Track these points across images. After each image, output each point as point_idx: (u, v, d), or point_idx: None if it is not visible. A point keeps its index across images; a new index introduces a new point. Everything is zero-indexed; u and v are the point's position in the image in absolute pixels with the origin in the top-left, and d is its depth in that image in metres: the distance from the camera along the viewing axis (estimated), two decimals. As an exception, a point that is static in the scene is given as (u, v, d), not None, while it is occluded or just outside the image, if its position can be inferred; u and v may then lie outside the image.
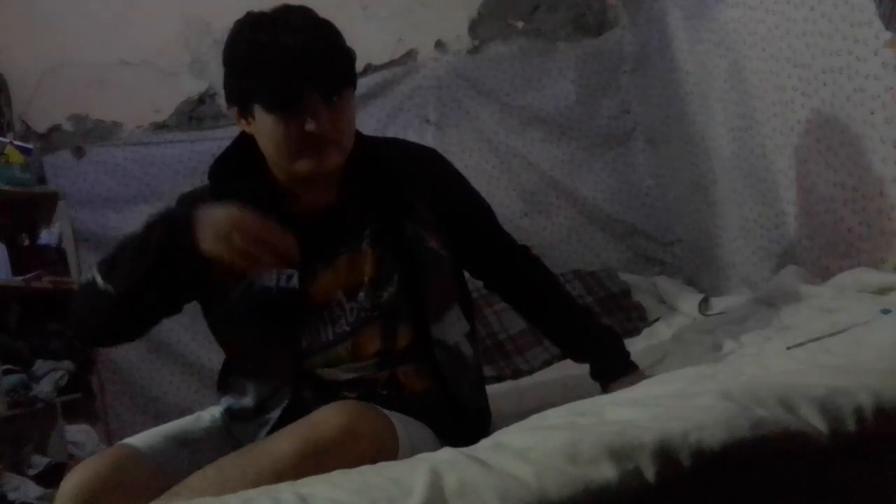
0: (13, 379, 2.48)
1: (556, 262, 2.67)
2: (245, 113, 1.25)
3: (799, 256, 1.92)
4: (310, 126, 1.18)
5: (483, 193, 1.50)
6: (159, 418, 2.55)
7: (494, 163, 3.00)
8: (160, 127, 3.05)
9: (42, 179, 2.93)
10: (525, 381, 2.25)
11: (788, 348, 1.17)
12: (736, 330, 1.58)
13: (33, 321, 2.76)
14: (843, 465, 0.83)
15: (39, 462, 2.49)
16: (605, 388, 1.39)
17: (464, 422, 1.32)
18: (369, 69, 2.98)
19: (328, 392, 1.26)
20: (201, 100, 3.05)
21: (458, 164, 1.49)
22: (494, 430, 1.07)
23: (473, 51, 3.08)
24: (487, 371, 2.14)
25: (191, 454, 1.24)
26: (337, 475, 0.89)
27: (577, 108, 3.00)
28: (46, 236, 2.86)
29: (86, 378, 2.83)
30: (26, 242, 2.83)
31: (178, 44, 3.03)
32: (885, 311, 1.20)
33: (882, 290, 1.41)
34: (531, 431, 0.92)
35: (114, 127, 3.05)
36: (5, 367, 2.48)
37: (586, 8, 3.09)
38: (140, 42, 3.02)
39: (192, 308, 1.32)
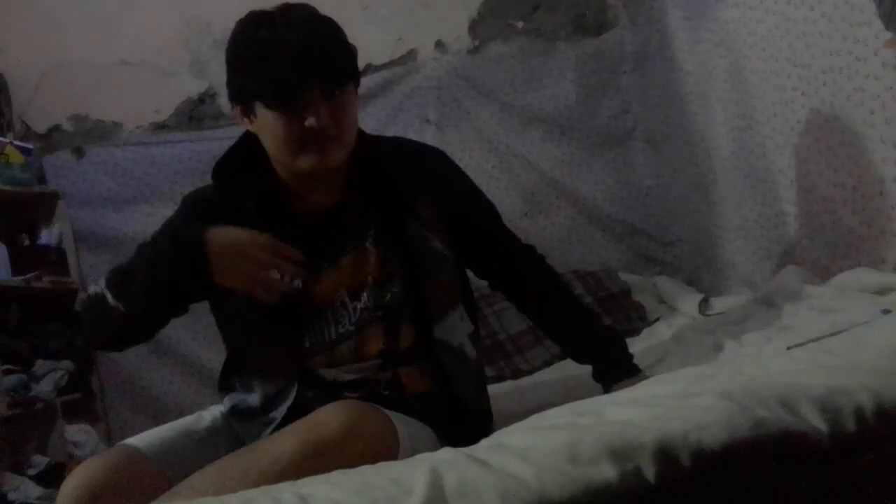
0: (13, 379, 2.47)
1: (556, 262, 2.60)
2: (247, 111, 1.25)
3: (799, 256, 1.91)
4: (310, 121, 1.18)
5: (483, 193, 1.50)
6: (159, 418, 2.55)
7: (494, 163, 3.00)
8: (160, 127, 3.04)
9: (42, 179, 2.93)
10: (525, 381, 2.25)
11: (788, 348, 1.17)
12: (736, 330, 1.58)
13: (33, 321, 2.75)
14: (843, 465, 0.83)
15: (39, 462, 2.49)
16: (608, 390, 1.39)
17: (466, 423, 1.32)
18: (369, 69, 2.97)
19: (330, 392, 1.26)
20: (201, 100, 3.05)
21: (459, 164, 1.49)
22: (495, 431, 1.07)
23: (473, 51, 3.07)
24: (488, 371, 2.12)
25: (191, 454, 1.24)
26: (337, 475, 0.89)
27: (577, 108, 2.99)
28: (46, 236, 2.85)
29: (86, 378, 2.82)
30: (26, 242, 2.83)
31: (178, 44, 3.02)
32: (885, 311, 1.21)
33: (882, 290, 1.41)
34: (531, 431, 0.92)
35: (114, 127, 3.04)
36: (5, 367, 2.48)
37: (586, 8, 3.08)
38: (140, 42, 3.02)
39: (193, 308, 1.32)
